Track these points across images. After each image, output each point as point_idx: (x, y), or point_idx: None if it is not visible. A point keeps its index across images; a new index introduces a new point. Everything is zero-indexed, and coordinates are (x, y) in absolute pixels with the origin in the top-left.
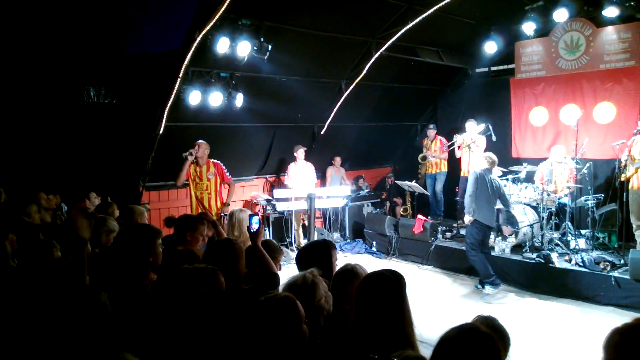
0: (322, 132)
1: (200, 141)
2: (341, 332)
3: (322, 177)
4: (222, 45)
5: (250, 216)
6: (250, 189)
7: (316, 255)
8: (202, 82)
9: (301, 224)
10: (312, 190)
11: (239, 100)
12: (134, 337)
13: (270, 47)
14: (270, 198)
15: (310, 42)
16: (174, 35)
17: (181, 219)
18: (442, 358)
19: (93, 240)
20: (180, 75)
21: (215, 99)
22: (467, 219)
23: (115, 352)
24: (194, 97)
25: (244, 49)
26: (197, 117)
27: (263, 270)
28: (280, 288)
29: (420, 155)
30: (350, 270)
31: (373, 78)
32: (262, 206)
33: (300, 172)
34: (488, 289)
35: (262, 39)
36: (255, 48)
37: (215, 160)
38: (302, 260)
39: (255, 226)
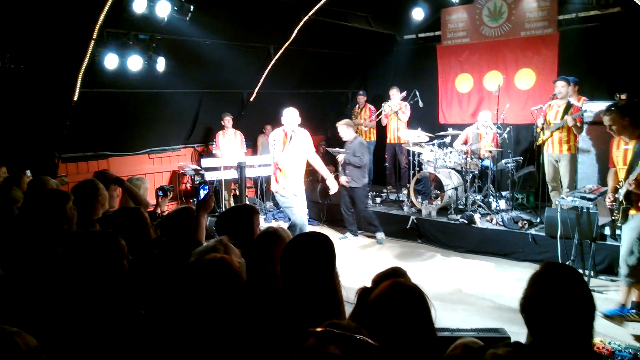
0: (251, 99)
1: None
2: (264, 295)
3: (252, 145)
4: (139, 5)
5: (201, 184)
6: (177, 159)
7: (236, 220)
8: (118, 44)
9: (232, 193)
10: (242, 158)
11: (161, 64)
12: (35, 309)
13: (192, 7)
14: (199, 168)
15: (235, 3)
16: None
17: None
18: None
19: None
20: (94, 37)
21: (134, 62)
22: (363, 183)
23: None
24: (110, 61)
25: (164, 8)
26: (115, 83)
27: (190, 236)
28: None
29: None
30: (272, 233)
31: (302, 43)
32: (190, 176)
33: (228, 140)
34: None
35: None
36: (175, 8)
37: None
38: (221, 226)
39: (201, 193)
